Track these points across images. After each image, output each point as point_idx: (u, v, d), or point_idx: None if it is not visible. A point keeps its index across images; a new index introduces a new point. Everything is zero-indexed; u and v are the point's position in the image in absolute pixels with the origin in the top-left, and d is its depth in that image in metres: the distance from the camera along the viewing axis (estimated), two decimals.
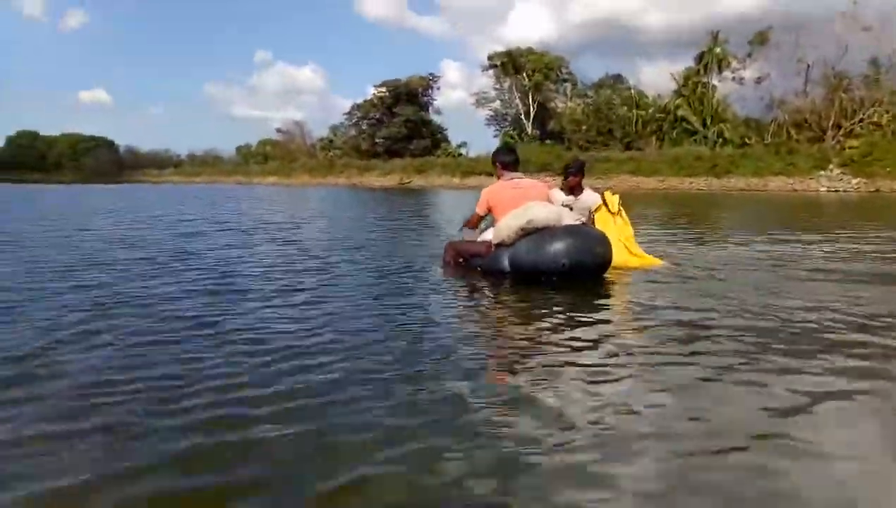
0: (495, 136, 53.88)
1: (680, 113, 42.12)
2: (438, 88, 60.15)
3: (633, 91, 46.34)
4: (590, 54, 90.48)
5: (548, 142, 47.29)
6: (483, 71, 54.48)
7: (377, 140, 55.98)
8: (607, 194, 5.00)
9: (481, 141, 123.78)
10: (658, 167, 37.16)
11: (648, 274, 4.55)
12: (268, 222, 9.90)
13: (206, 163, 71.53)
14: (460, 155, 52.62)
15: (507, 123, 53.99)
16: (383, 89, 56.65)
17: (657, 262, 4.90)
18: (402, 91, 55.76)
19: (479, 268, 4.58)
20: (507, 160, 4.64)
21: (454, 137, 58.13)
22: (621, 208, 4.89)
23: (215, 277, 4.41)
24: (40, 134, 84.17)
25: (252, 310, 3.38)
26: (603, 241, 4.18)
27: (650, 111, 44.40)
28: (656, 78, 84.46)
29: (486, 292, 4.06)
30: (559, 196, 4.88)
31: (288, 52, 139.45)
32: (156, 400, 2.06)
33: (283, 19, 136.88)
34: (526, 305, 3.61)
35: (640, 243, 5.14)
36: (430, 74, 58.44)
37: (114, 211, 12.62)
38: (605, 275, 4.31)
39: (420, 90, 56.87)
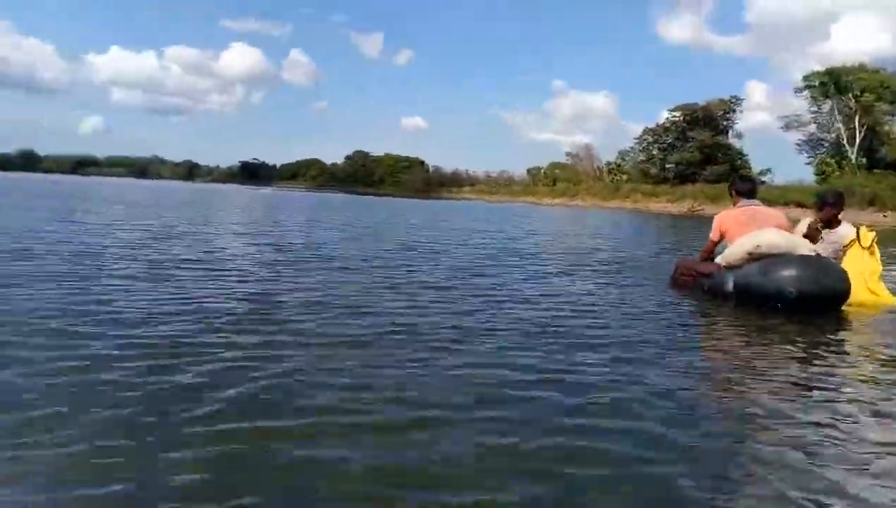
0: (808, 163, 47.63)
1: None
2: (741, 112, 55.46)
3: None
4: None
5: (875, 171, 40.29)
6: (796, 92, 48.57)
7: (668, 165, 53.91)
8: (863, 229, 4.74)
9: (790, 168, 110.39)
10: None
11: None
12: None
13: (499, 183, 77.06)
14: (763, 183, 47.49)
15: (822, 149, 47.36)
16: (678, 113, 54.42)
17: (892, 301, 4.49)
18: (698, 115, 52.86)
19: (705, 288, 4.67)
20: (742, 188, 4.98)
21: (756, 163, 52.59)
22: (874, 244, 4.58)
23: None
24: (369, 154, 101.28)
25: None
26: (837, 275, 4.01)
27: None
28: None
29: (711, 313, 4.18)
30: (804, 226, 4.74)
31: (582, 80, 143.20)
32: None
33: (581, 49, 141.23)
34: (747, 331, 3.62)
35: None
36: (732, 97, 54.42)
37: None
38: (842, 309, 4.09)
39: (719, 114, 53.21)
